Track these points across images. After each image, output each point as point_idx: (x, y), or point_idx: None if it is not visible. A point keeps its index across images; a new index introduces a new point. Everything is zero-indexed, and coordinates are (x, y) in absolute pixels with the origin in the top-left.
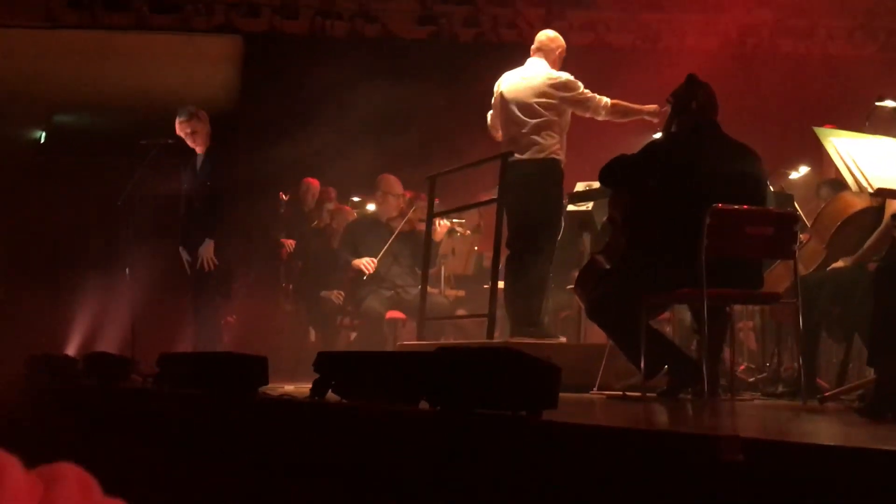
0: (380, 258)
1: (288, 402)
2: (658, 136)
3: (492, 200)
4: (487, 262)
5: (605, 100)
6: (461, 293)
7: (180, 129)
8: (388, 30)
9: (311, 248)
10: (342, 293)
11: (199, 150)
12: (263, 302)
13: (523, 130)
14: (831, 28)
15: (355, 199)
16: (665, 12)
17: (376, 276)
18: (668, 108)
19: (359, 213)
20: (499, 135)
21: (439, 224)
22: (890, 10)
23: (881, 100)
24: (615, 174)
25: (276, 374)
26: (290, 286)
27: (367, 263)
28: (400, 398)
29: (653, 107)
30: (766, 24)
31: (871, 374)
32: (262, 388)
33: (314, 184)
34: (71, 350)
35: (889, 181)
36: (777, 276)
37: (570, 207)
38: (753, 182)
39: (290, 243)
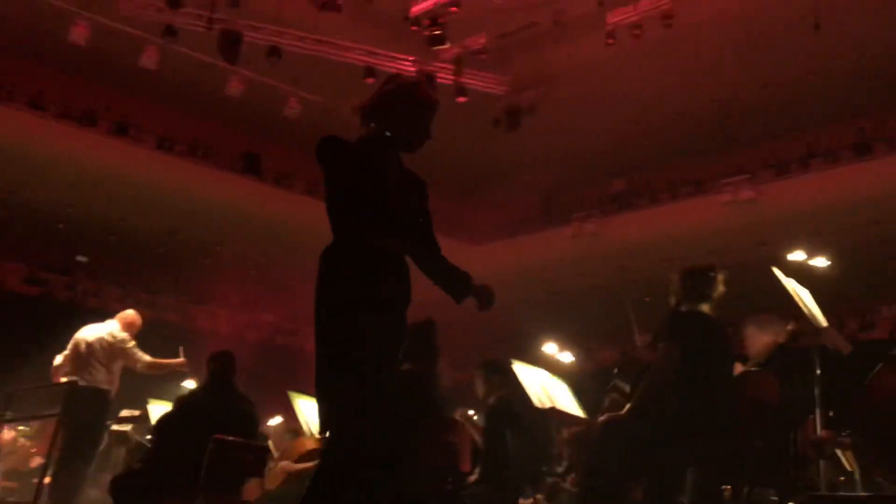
0: None
1: None
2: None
3: (54, 414)
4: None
5: (147, 358)
6: (14, 485)
7: None
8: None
9: None
10: None
11: None
12: None
13: (84, 363)
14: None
15: None
16: (209, 305)
17: None
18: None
19: None
20: (60, 373)
21: (6, 431)
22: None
23: None
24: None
25: None
26: None
27: None
28: None
29: (180, 360)
30: (269, 323)
31: None
32: None
33: None
34: None
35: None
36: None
37: (115, 427)
38: (250, 422)
39: None
